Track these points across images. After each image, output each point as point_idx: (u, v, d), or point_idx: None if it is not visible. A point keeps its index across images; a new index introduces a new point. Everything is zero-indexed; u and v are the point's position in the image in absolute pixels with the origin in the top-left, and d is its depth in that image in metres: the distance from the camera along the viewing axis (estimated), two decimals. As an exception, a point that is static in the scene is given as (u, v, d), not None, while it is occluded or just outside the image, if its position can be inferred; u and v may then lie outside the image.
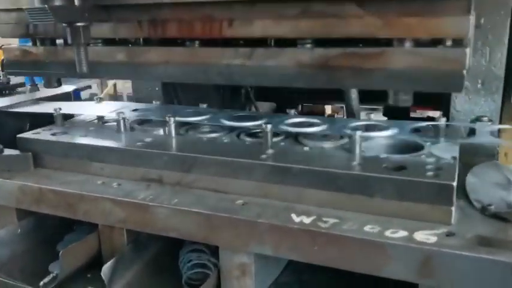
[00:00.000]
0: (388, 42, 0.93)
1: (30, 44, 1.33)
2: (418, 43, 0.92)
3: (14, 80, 1.97)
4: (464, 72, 0.89)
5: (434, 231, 0.90)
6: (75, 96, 1.98)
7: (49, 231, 1.40)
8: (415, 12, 0.89)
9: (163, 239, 1.22)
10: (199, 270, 1.19)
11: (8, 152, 1.33)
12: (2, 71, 1.63)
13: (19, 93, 1.91)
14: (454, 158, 1.04)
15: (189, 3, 1.02)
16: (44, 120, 1.53)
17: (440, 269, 0.85)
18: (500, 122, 1.58)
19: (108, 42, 1.19)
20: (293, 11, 0.96)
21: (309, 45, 0.99)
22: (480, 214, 0.97)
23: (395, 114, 1.51)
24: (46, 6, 0.96)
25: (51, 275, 1.20)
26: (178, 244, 1.24)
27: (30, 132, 1.38)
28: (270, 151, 1.12)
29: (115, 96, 5.60)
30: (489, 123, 1.29)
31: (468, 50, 0.89)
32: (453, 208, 0.92)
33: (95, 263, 1.23)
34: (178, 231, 1.05)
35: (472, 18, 0.88)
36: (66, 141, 1.29)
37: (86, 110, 1.56)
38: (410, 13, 0.89)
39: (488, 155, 1.26)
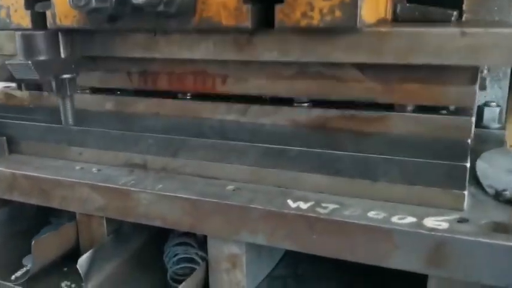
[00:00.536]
0: (389, 107, 0.86)
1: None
2: (421, 108, 0.85)
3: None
4: (469, 141, 0.82)
5: (445, 217, 0.81)
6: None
7: (24, 223, 1.31)
8: (418, 79, 0.82)
9: (148, 230, 1.14)
10: (186, 265, 1.10)
11: (-21, 136, 1.24)
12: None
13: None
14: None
15: (180, 60, 0.95)
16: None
17: (452, 257, 0.76)
18: (507, 109, 1.51)
19: (96, 90, 1.11)
20: (290, 70, 0.89)
21: (305, 104, 0.92)
22: (493, 200, 0.89)
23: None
24: (29, 62, 0.87)
25: (24, 269, 1.10)
26: (163, 236, 1.15)
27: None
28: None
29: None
30: (497, 108, 1.21)
31: (473, 119, 0.82)
32: (466, 192, 0.84)
33: (72, 255, 1.13)
34: (162, 219, 0.96)
35: (477, 88, 0.81)
36: (42, 124, 1.19)
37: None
38: (413, 80, 0.82)
39: (497, 141, 1.18)
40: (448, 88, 0.82)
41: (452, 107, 0.85)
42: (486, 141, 1.17)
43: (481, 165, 1.00)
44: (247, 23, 0.81)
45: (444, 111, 0.85)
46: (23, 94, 1.21)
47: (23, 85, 1.22)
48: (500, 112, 1.24)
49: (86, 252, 1.04)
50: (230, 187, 0.96)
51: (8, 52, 1.12)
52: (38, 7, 0.99)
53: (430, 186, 0.85)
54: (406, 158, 0.86)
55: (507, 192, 0.88)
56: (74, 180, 1.04)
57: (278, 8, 0.79)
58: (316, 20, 0.77)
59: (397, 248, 0.79)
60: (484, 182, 0.93)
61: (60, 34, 0.96)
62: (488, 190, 0.91)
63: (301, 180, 0.94)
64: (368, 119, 0.87)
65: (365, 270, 0.91)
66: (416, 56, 0.78)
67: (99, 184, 1.01)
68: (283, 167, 0.95)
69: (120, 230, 1.10)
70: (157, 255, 1.13)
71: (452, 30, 0.77)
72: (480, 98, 1.30)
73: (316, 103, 0.92)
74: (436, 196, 0.84)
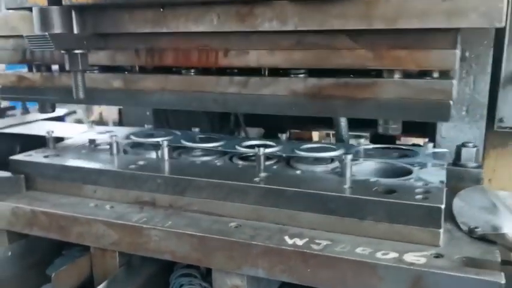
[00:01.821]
0: (378, 73, 0.97)
1: (25, 70, 1.35)
2: (407, 74, 0.96)
3: (4, 103, 1.99)
4: (451, 102, 0.93)
5: (423, 253, 0.92)
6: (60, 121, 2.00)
7: (39, 255, 1.39)
8: (405, 45, 0.93)
9: (156, 263, 1.23)
10: (191, 294, 1.20)
11: (0, 173, 1.34)
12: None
13: (9, 116, 1.93)
14: (441, 182, 1.08)
15: (185, 33, 1.05)
16: (35, 142, 1.55)
17: (430, 289, 0.87)
18: (485, 148, 1.63)
19: (105, 69, 1.21)
20: (288, 41, 1.00)
21: (302, 75, 1.02)
22: (467, 236, 1.00)
23: (382, 141, 1.55)
24: (46, 34, 0.98)
25: (42, 299, 1.19)
26: (170, 268, 1.24)
27: (22, 154, 1.38)
28: (263, 174, 1.14)
29: (101, 122, 5.61)
30: (474, 148, 1.34)
31: (455, 82, 0.93)
32: (441, 230, 0.95)
33: (86, 285, 1.23)
34: (172, 253, 1.06)
35: (458, 52, 0.92)
36: (58, 163, 1.30)
37: (77, 133, 1.58)
38: (400, 46, 0.93)
39: (474, 180, 1.30)
40: (432, 52, 0.93)
41: (436, 74, 0.96)
42: (463, 180, 1.29)
43: (457, 203, 1.11)
44: None
45: (428, 78, 0.96)
46: (34, 76, 1.31)
47: (34, 68, 1.32)
48: (477, 152, 1.36)
49: (99, 283, 1.14)
50: (233, 224, 1.07)
51: (22, 32, 1.18)
52: None
53: (410, 225, 0.96)
54: (389, 200, 0.97)
55: (479, 229, 0.99)
56: (89, 217, 1.14)
57: None
58: None
59: (382, 280, 0.90)
60: (459, 219, 1.05)
61: (73, 11, 1.05)
62: (462, 227, 1.02)
63: (297, 218, 1.05)
64: (360, 85, 0.98)
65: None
66: (403, 21, 0.89)
67: (114, 221, 1.12)
68: (280, 205, 1.06)
69: (130, 262, 1.20)
70: (164, 286, 1.23)
71: None
72: (459, 139, 1.43)
73: (311, 73, 1.03)
74: (415, 233, 0.96)
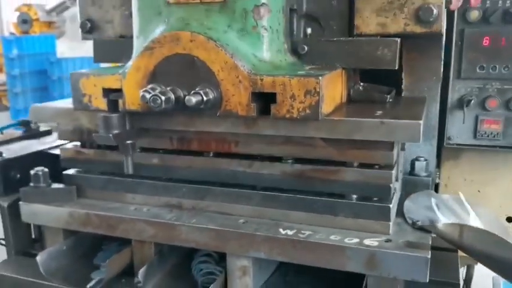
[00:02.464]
0: (342, 163, 1.37)
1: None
2: (362, 164, 1.36)
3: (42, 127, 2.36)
4: (391, 185, 1.33)
5: (377, 239, 1.30)
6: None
7: (84, 249, 1.76)
8: (359, 147, 1.33)
9: (181, 252, 1.60)
10: (209, 276, 1.56)
11: (55, 185, 1.70)
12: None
13: (47, 136, 2.30)
14: (394, 189, 1.46)
15: (205, 132, 1.44)
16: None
17: (380, 263, 1.25)
18: (441, 160, 2.03)
19: (145, 149, 1.58)
20: (279, 139, 1.40)
21: (290, 161, 1.42)
22: (411, 227, 1.38)
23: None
24: (110, 135, 1.35)
25: (94, 281, 1.56)
26: (191, 256, 1.61)
27: (73, 169, 1.75)
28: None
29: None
30: (425, 161, 1.72)
31: (394, 172, 1.33)
32: (390, 223, 1.33)
33: (127, 271, 1.60)
34: (196, 242, 1.44)
35: (395, 151, 1.32)
36: (104, 176, 1.67)
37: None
38: (356, 148, 1.34)
39: (425, 186, 1.68)
40: (377, 152, 1.33)
41: (382, 164, 1.35)
42: (417, 186, 1.67)
43: (407, 204, 1.49)
44: (253, 113, 1.30)
45: (377, 166, 1.35)
46: (89, 151, 1.67)
47: (87, 144, 1.69)
48: (427, 164, 1.75)
49: (138, 268, 1.50)
50: (241, 220, 1.44)
51: (83, 123, 1.60)
52: (112, 96, 1.44)
53: (369, 219, 1.34)
54: (353, 202, 1.35)
55: (419, 222, 1.37)
56: (132, 217, 1.51)
57: (272, 106, 1.28)
58: (295, 114, 1.27)
59: (348, 258, 1.28)
60: (406, 215, 1.43)
61: (127, 114, 1.43)
62: (408, 220, 1.40)
63: (288, 215, 1.43)
64: (329, 171, 1.37)
65: (333, 279, 1.39)
66: (356, 134, 1.29)
67: (151, 219, 1.49)
68: (276, 207, 1.44)
69: (162, 251, 1.57)
70: (188, 269, 1.60)
71: (375, 121, 1.27)
72: (417, 153, 1.81)
73: (297, 161, 1.42)
74: (372, 225, 1.34)
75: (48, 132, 2.29)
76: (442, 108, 1.83)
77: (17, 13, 11.01)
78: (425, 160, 1.72)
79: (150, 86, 1.31)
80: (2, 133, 2.27)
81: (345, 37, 1.51)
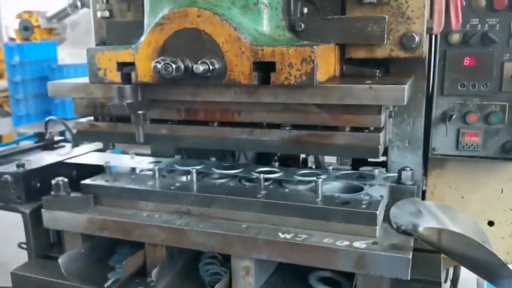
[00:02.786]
0: (335, 128, 1.53)
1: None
2: (353, 128, 1.52)
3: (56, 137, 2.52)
4: (380, 147, 1.48)
5: (365, 241, 1.47)
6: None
7: (100, 252, 1.92)
8: (351, 112, 1.49)
9: (189, 254, 1.76)
10: (215, 276, 1.72)
11: (73, 194, 1.86)
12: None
13: (61, 147, 2.46)
14: (381, 196, 1.63)
15: (212, 102, 1.60)
16: (90, 169, 2.08)
17: (368, 263, 1.42)
18: (427, 169, 2.20)
19: (155, 121, 1.74)
20: (278, 107, 1.56)
21: (288, 128, 1.57)
22: (395, 231, 1.55)
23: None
24: (124, 104, 1.52)
25: (111, 280, 1.72)
26: (198, 258, 1.78)
27: (89, 179, 1.91)
28: (263, 192, 1.69)
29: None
30: (410, 171, 1.89)
31: (382, 134, 1.49)
32: (377, 227, 1.50)
33: (139, 272, 1.76)
34: (204, 245, 1.60)
35: (383, 116, 1.48)
36: (118, 186, 1.83)
37: (124, 162, 2.11)
38: (348, 112, 1.49)
39: (410, 194, 1.85)
40: (366, 117, 1.48)
41: (372, 127, 1.51)
42: (403, 193, 1.84)
43: (393, 210, 1.66)
44: (255, 82, 1.43)
45: (366, 130, 1.51)
46: (102, 124, 1.82)
47: (99, 118, 1.83)
48: (413, 173, 1.92)
49: (150, 269, 1.67)
50: (244, 226, 1.61)
51: (97, 96, 1.74)
52: (126, 69, 1.55)
53: (358, 224, 1.51)
54: (345, 209, 1.52)
55: (403, 226, 1.54)
56: (146, 223, 1.68)
57: (272, 74, 1.41)
58: (292, 81, 1.40)
59: (339, 258, 1.45)
60: (392, 220, 1.60)
61: (139, 86, 1.55)
62: (393, 225, 1.57)
63: (286, 221, 1.59)
64: (324, 135, 1.54)
65: (326, 278, 1.56)
66: (347, 98, 1.44)
67: (163, 225, 1.65)
68: (275, 213, 1.61)
69: (172, 253, 1.73)
70: (195, 270, 1.76)
71: (364, 86, 1.42)
72: (404, 163, 1.98)
73: (294, 127, 1.58)
74: (361, 229, 1.50)
75: (61, 142, 2.45)
76: (427, 122, 2.00)
77: (18, 20, 11.16)
78: (411, 170, 1.89)
79: (160, 58, 1.44)
80: (18, 144, 2.42)
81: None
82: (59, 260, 1.73)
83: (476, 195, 2.21)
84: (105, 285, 1.68)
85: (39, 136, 2.43)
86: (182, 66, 1.40)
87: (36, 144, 2.38)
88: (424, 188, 2.24)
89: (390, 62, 1.76)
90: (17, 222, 2.00)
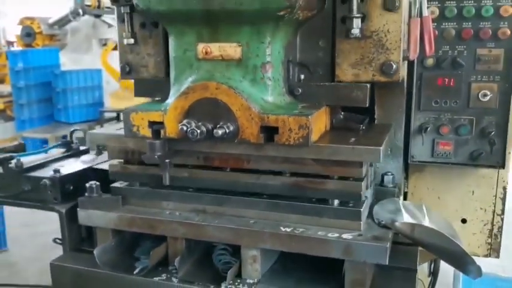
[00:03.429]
0: (327, 177, 1.86)
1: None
2: (341, 177, 1.84)
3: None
4: (362, 192, 1.81)
5: (352, 234, 1.79)
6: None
7: (126, 245, 2.22)
8: (339, 165, 1.82)
9: (204, 245, 2.08)
10: (226, 265, 2.03)
11: (104, 195, 2.17)
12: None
13: (86, 154, 2.77)
14: (365, 196, 1.95)
15: (225, 153, 1.92)
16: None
17: (354, 251, 1.74)
18: (408, 174, 2.53)
19: (178, 165, 2.01)
20: (280, 159, 1.88)
21: (288, 175, 1.90)
22: (377, 226, 1.87)
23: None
24: (156, 156, 1.83)
25: (138, 268, 2.03)
26: (212, 249, 2.09)
27: (117, 183, 2.22)
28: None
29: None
30: (391, 175, 2.22)
31: (363, 183, 1.82)
32: (362, 222, 1.82)
33: (161, 262, 2.07)
34: (218, 238, 1.92)
35: (364, 168, 1.81)
36: (144, 188, 2.15)
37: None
38: (336, 165, 1.82)
39: (391, 195, 2.18)
40: (351, 169, 1.81)
41: (355, 177, 1.83)
42: (385, 195, 2.16)
43: (376, 208, 1.98)
44: (261, 141, 1.77)
45: (351, 179, 1.83)
46: (132, 167, 2.14)
47: (130, 161, 2.14)
48: (393, 177, 2.24)
49: (172, 259, 1.98)
50: (252, 221, 1.93)
51: (130, 146, 2.05)
52: (156, 127, 1.85)
53: (346, 220, 1.83)
54: (335, 207, 1.84)
55: (383, 221, 1.87)
56: (168, 219, 1.99)
57: (275, 135, 1.75)
58: (292, 142, 1.74)
59: (332, 247, 1.77)
60: (374, 217, 1.92)
61: (166, 141, 1.88)
62: (375, 221, 1.90)
63: (287, 217, 1.91)
64: (317, 181, 1.86)
65: (321, 264, 1.88)
66: (335, 156, 1.78)
67: (183, 221, 1.97)
68: (277, 211, 1.93)
69: (189, 245, 2.04)
70: (210, 260, 2.07)
71: (349, 147, 1.76)
72: (386, 169, 2.31)
73: (293, 174, 1.90)
74: (348, 224, 1.83)
75: (86, 151, 2.76)
76: (406, 133, 2.33)
77: (20, 26, 11.41)
78: (392, 174, 2.21)
79: (186, 121, 1.78)
80: (46, 152, 2.73)
81: (328, 80, 2.00)
82: (94, 252, 2.04)
83: (451, 196, 2.55)
84: (134, 272, 2.00)
85: (67, 145, 2.74)
86: (204, 130, 1.74)
87: (66, 153, 2.68)
88: (405, 190, 2.58)
89: (376, 85, 2.08)
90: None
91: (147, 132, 1.91)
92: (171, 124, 1.86)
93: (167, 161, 1.89)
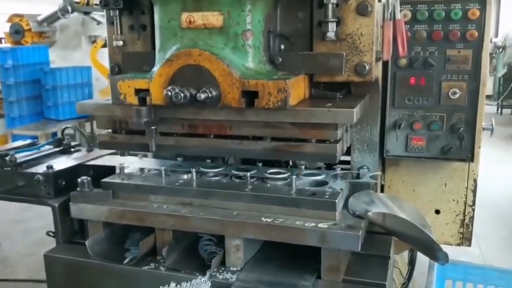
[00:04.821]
0: (304, 140, 1.98)
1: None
2: (318, 140, 1.96)
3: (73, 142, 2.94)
4: (337, 154, 1.94)
5: (327, 223, 1.92)
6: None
7: (117, 237, 2.34)
8: (315, 128, 1.94)
9: (190, 236, 2.20)
10: (211, 254, 2.15)
11: (96, 190, 2.28)
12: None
13: (77, 151, 2.88)
14: (341, 189, 2.08)
15: (209, 119, 2.03)
16: (105, 169, 2.50)
17: (329, 239, 1.87)
18: (384, 169, 2.67)
19: (164, 134, 2.13)
20: (261, 124, 2.00)
21: (268, 140, 2.02)
22: (351, 216, 2.01)
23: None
24: (142, 122, 1.95)
25: (128, 258, 2.15)
26: (198, 240, 2.22)
27: (108, 178, 2.34)
28: (250, 186, 2.14)
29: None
30: (367, 169, 2.36)
31: (339, 145, 1.95)
32: (337, 213, 1.96)
33: (149, 253, 2.19)
34: (204, 229, 2.05)
35: (340, 131, 1.94)
36: (133, 183, 2.26)
37: (133, 163, 2.54)
38: (313, 128, 1.94)
39: (366, 187, 2.32)
40: (327, 131, 1.92)
41: (331, 140, 1.95)
42: (361, 187, 2.30)
43: (351, 200, 2.12)
44: (243, 105, 1.86)
45: (327, 142, 1.95)
46: (120, 136, 2.23)
47: (117, 131, 2.24)
48: (369, 171, 2.38)
49: (160, 250, 2.10)
50: (235, 213, 2.05)
51: (117, 114, 2.14)
52: (142, 94, 1.92)
53: (322, 210, 1.97)
54: (312, 198, 1.98)
55: (357, 212, 2.00)
56: (156, 212, 2.11)
57: (256, 100, 1.84)
58: (271, 105, 1.82)
59: (308, 236, 1.90)
60: (349, 207, 2.06)
61: (152, 107, 1.98)
62: (350, 211, 2.03)
63: (268, 209, 2.04)
64: (295, 145, 1.97)
65: (300, 253, 2.01)
66: (312, 118, 1.89)
67: (171, 213, 2.09)
68: (259, 203, 2.05)
69: (177, 236, 2.16)
70: (195, 250, 2.20)
71: (324, 109, 1.87)
72: (363, 163, 2.45)
73: (273, 139, 2.00)
74: (324, 214, 1.96)
75: (78, 148, 2.87)
76: (382, 129, 2.47)
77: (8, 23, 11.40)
78: (368, 168, 2.35)
79: (170, 87, 1.87)
80: (39, 149, 2.83)
81: (307, 50, 2.11)
82: (86, 243, 2.16)
83: (425, 189, 2.70)
84: (124, 261, 2.12)
85: (58, 142, 2.84)
86: (188, 94, 1.84)
87: (57, 149, 2.79)
88: (382, 183, 2.72)
89: (352, 84, 2.22)
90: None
91: (133, 99, 1.99)
92: (156, 91, 1.94)
93: (153, 127, 2.00)
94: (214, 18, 1.95)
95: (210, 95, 1.84)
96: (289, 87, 1.82)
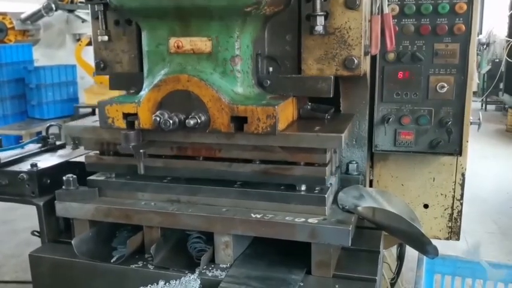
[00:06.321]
0: (294, 163, 1.97)
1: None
2: (307, 163, 1.95)
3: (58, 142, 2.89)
4: (326, 177, 1.93)
5: (317, 218, 1.91)
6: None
7: (103, 235, 2.30)
8: (304, 152, 1.93)
9: (179, 234, 2.18)
10: (201, 252, 2.13)
11: (81, 188, 2.24)
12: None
13: (62, 148, 2.83)
14: (330, 184, 2.07)
15: (198, 143, 2.00)
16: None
17: (319, 234, 1.86)
18: (372, 164, 2.67)
19: (152, 156, 2.08)
20: (250, 147, 1.98)
21: (258, 162, 2.00)
22: (341, 211, 2.00)
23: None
24: (130, 146, 1.90)
25: (116, 257, 2.11)
26: (186, 237, 2.19)
27: (93, 176, 2.30)
28: (238, 183, 2.11)
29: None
30: (356, 164, 2.35)
31: (327, 168, 1.94)
32: (326, 207, 1.95)
33: (138, 251, 2.15)
34: (192, 226, 2.02)
35: (328, 154, 1.93)
36: (119, 180, 2.23)
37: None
38: (302, 152, 1.93)
39: (355, 182, 2.31)
40: (316, 155, 1.92)
41: (320, 163, 1.95)
42: (350, 182, 2.29)
43: (340, 195, 2.11)
44: (232, 130, 1.86)
45: (316, 165, 1.95)
46: (108, 158, 2.20)
47: (105, 152, 2.22)
48: (358, 166, 2.38)
49: (148, 247, 2.07)
50: (224, 209, 2.03)
51: (105, 138, 2.12)
52: (130, 118, 1.89)
53: (312, 205, 1.95)
54: (301, 194, 1.96)
55: (346, 207, 1.99)
56: (144, 209, 2.08)
57: (245, 125, 1.84)
58: (260, 130, 1.83)
59: (298, 231, 1.88)
60: (339, 202, 2.05)
61: (140, 131, 1.96)
62: (339, 206, 2.02)
63: (257, 204, 2.02)
64: (284, 168, 1.97)
65: (290, 248, 1.99)
66: (301, 143, 1.89)
67: (158, 211, 2.06)
68: (248, 199, 2.03)
69: (165, 234, 2.13)
70: (184, 247, 2.17)
71: (313, 134, 1.87)
72: (352, 157, 2.44)
73: (262, 162, 2.00)
74: (314, 209, 1.95)
75: (63, 146, 2.82)
76: (370, 124, 2.46)
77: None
78: (356, 163, 2.35)
79: (159, 112, 1.86)
80: (23, 148, 2.78)
81: (295, 72, 2.10)
82: (72, 242, 2.11)
83: (413, 183, 2.71)
84: (112, 260, 2.08)
85: (43, 140, 2.79)
86: (177, 120, 1.82)
87: (43, 148, 2.74)
88: (371, 178, 2.72)
89: (340, 79, 2.20)
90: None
91: (121, 123, 1.98)
92: (144, 115, 1.93)
93: (141, 151, 1.97)
94: (202, 44, 1.93)
95: (199, 121, 1.83)
96: (278, 113, 1.82)
